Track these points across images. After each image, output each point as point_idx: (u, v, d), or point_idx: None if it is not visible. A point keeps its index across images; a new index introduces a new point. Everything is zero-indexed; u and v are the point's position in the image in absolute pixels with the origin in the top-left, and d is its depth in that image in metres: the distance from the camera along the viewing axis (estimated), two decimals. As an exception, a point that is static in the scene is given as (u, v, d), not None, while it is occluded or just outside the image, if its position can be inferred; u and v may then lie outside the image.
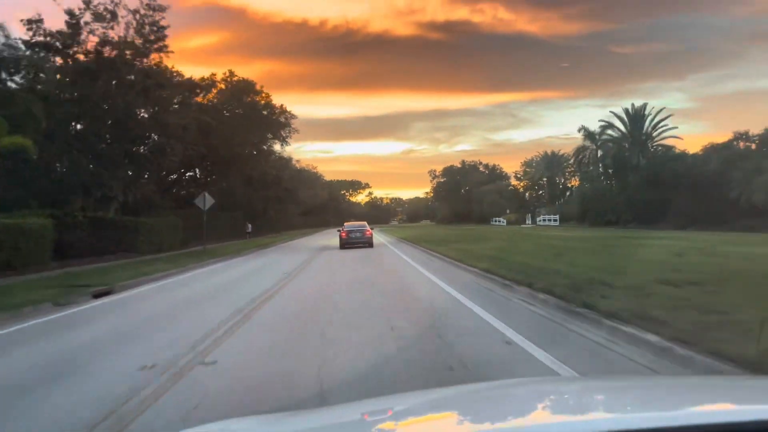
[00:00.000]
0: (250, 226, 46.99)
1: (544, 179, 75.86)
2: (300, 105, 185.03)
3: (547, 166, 69.65)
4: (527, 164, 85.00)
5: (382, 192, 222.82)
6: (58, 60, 24.91)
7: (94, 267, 19.69)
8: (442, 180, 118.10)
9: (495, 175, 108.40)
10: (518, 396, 2.07)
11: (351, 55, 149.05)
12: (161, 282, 16.01)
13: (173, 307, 11.06)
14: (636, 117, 56.93)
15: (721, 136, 72.44)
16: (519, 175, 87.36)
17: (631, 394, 1.95)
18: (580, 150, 71.10)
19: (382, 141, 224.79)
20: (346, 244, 29.79)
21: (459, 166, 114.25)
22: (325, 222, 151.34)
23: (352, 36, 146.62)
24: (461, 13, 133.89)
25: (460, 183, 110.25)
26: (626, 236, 31.37)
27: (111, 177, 25.21)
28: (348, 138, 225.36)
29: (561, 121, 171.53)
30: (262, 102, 41.92)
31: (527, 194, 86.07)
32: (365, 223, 34.22)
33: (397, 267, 18.26)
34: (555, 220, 61.54)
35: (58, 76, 24.64)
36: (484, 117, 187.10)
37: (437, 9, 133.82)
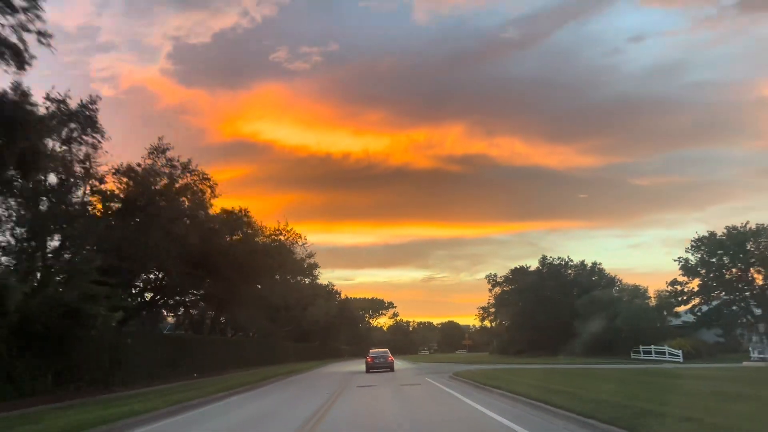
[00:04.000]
0: None
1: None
2: (322, 233, 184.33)
3: None
4: (708, 244, 44.12)
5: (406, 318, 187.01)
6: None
7: None
8: (507, 289, 78.80)
9: (595, 277, 69.19)
10: None
11: (372, 186, 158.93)
12: None
13: None
14: None
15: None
16: (691, 264, 46.40)
17: None
18: None
19: (402, 269, 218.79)
20: (371, 368, 33.38)
21: (536, 267, 75.55)
22: (336, 351, 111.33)
23: (373, 168, 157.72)
24: (479, 147, 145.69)
25: (539, 292, 70.88)
26: None
27: None
28: (368, 266, 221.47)
29: (582, 250, 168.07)
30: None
31: (702, 302, 46.05)
32: (387, 350, 36.97)
33: None
34: None
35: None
36: (503, 245, 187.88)
37: (455, 143, 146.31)
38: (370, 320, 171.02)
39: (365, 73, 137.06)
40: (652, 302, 52.90)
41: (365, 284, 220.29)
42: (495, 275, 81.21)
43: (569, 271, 73.04)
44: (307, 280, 57.86)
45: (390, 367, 33.56)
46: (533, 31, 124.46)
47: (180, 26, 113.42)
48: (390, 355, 35.30)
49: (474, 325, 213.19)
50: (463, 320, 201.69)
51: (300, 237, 38.05)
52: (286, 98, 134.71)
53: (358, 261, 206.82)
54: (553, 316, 69.30)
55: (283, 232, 35.96)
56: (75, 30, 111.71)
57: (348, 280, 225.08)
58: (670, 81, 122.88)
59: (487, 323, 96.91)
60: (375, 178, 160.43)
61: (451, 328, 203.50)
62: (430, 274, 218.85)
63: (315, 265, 57.20)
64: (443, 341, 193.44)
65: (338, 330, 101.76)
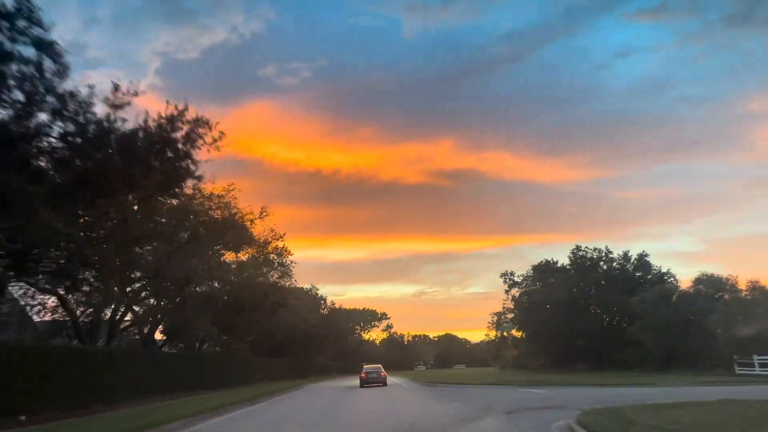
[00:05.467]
0: None
1: None
2: (312, 249, 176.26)
3: None
4: None
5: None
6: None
7: None
8: (529, 290, 64.38)
9: (640, 273, 54.89)
10: None
11: (362, 201, 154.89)
12: None
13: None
14: None
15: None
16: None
17: None
18: None
19: (394, 284, 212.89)
20: (365, 383, 35.34)
21: (564, 263, 61.19)
22: (322, 367, 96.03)
23: (363, 183, 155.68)
24: (468, 162, 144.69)
25: (573, 291, 56.73)
26: None
27: None
28: (359, 281, 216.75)
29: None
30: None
31: None
32: (380, 366, 38.44)
33: None
34: None
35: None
36: (495, 259, 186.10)
37: (445, 158, 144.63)
38: (362, 333, 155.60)
39: (355, 89, 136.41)
40: (744, 296, 38.82)
41: (356, 299, 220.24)
42: (512, 273, 66.91)
43: (606, 266, 58.79)
44: (276, 275, 43.11)
45: (383, 382, 35.72)
46: (521, 46, 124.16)
47: (169, 42, 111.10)
48: (383, 370, 37.19)
49: (469, 339, 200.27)
50: (458, 335, 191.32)
51: (206, 125, 18.64)
52: (276, 114, 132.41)
53: (348, 276, 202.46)
54: (593, 320, 55.14)
55: (185, 122, 17.95)
56: (63, 46, 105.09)
57: (339, 296, 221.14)
58: (657, 95, 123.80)
59: (496, 333, 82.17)
60: (365, 193, 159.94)
61: (448, 341, 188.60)
62: (421, 288, 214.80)
63: (285, 251, 42.64)
64: (440, 356, 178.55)
65: (324, 343, 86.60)
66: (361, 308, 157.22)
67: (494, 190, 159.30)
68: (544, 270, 62.48)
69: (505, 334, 47.74)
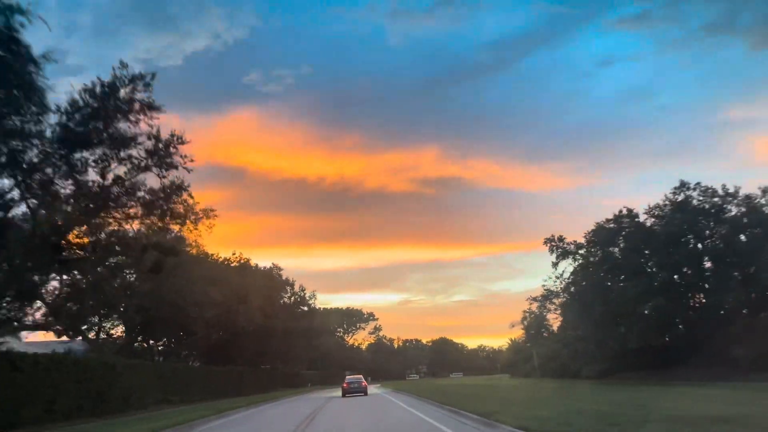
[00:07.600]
0: None
1: None
2: (297, 258, 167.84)
3: None
4: None
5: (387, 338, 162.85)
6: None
7: None
8: (594, 260, 43.11)
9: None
10: None
11: (347, 209, 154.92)
12: None
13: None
14: None
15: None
16: None
17: None
18: None
19: (379, 292, 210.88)
20: (347, 392, 37.49)
21: (652, 218, 40.07)
22: (292, 378, 73.88)
23: (348, 192, 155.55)
24: (453, 170, 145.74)
25: (668, 255, 35.68)
26: None
27: None
28: (344, 290, 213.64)
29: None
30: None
31: None
32: (361, 376, 42.88)
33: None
34: None
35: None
36: (480, 268, 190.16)
37: (430, 166, 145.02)
38: (345, 336, 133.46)
39: (339, 96, 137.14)
40: None
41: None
42: (562, 238, 45.69)
43: (735, 215, 37.16)
44: (162, 184, 20.35)
45: (364, 392, 37.44)
46: (505, 55, 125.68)
47: (150, 49, 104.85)
48: (364, 381, 39.54)
49: (466, 345, 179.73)
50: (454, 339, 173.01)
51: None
52: (260, 121, 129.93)
53: (333, 285, 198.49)
54: (711, 302, 34.29)
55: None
56: (43, 52, 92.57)
57: (324, 305, 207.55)
58: (640, 103, 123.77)
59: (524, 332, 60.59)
60: (350, 201, 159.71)
61: (443, 347, 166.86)
62: (407, 297, 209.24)
63: (178, 140, 20.43)
64: (434, 363, 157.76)
65: (294, 345, 64.23)
66: (344, 308, 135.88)
67: (479, 198, 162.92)
68: (614, 230, 41.23)
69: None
